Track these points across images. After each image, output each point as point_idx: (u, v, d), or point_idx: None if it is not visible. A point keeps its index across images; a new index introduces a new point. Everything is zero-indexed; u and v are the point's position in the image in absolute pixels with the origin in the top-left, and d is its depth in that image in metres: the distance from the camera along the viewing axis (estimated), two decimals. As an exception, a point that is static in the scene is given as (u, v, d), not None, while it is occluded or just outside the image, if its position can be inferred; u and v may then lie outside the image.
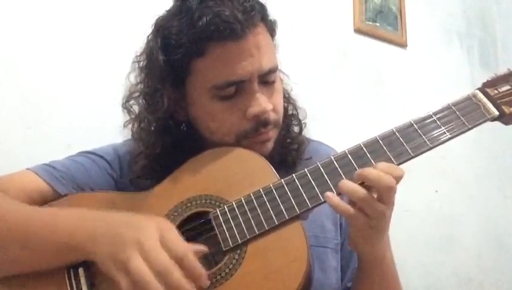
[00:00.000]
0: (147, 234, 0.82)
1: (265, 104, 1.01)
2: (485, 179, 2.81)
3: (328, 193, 0.89)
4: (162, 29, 1.03)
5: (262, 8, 1.04)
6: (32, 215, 0.95)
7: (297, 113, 1.18)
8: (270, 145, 1.05)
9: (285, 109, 1.15)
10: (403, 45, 2.66)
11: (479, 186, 2.76)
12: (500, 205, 2.85)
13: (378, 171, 0.87)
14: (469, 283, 2.59)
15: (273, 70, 1.03)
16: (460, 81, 2.81)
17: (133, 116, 1.11)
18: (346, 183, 0.88)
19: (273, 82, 1.05)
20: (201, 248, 0.88)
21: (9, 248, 0.92)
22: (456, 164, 2.61)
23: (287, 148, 1.13)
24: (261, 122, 1.01)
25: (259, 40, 1.00)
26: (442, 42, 2.87)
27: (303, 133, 1.18)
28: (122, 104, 1.13)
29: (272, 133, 1.05)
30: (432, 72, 2.71)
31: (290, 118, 1.17)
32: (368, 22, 2.53)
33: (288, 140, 1.14)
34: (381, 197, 0.87)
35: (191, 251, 0.83)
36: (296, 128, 1.17)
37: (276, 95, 1.06)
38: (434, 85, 2.64)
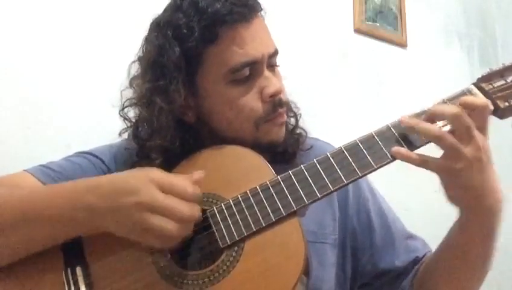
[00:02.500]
0: (146, 193, 0.85)
1: (279, 83, 1.06)
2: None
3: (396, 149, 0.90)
4: (169, 24, 1.05)
5: (258, 2, 1.09)
6: (26, 195, 0.96)
7: (291, 106, 1.19)
8: (283, 129, 1.08)
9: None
10: (403, 45, 2.66)
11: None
12: (500, 205, 2.84)
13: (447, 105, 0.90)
14: None
15: (277, 53, 1.08)
16: (460, 81, 2.78)
17: (142, 115, 1.10)
18: (431, 126, 0.88)
19: (276, 66, 1.09)
20: (198, 174, 0.91)
21: (6, 231, 0.93)
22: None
23: (287, 139, 1.13)
24: (277, 102, 1.05)
25: (263, 24, 1.07)
26: (442, 42, 2.86)
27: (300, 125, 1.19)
28: (126, 106, 1.14)
29: (285, 116, 1.09)
30: (431, 72, 2.71)
31: (287, 111, 1.17)
32: (367, 22, 2.53)
33: (287, 131, 1.14)
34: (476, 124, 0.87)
35: (191, 183, 0.88)
36: (292, 120, 1.18)
37: (280, 79, 1.10)
38: (434, 85, 2.64)
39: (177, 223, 0.84)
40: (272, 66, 1.08)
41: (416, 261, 1.13)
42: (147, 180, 0.86)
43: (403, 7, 2.68)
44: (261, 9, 1.09)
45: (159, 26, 1.07)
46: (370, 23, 2.54)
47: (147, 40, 1.10)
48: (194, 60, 1.04)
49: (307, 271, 0.89)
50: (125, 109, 1.14)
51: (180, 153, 1.06)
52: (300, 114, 1.20)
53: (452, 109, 0.88)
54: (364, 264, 1.15)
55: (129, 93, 1.13)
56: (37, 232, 0.92)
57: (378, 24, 2.57)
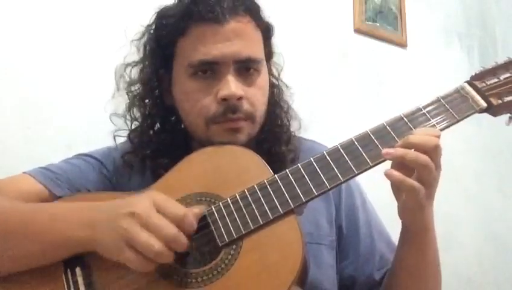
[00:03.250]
0: (140, 206, 0.86)
1: (236, 89, 1.03)
2: (484, 178, 2.81)
3: (388, 170, 0.91)
4: (159, 13, 1.12)
5: (254, 6, 1.09)
6: (29, 212, 0.97)
7: (289, 124, 1.19)
8: (241, 137, 1.06)
9: (277, 118, 1.18)
10: (403, 45, 2.66)
11: (478, 186, 2.76)
12: (500, 204, 2.84)
13: (420, 135, 0.90)
14: (468, 282, 2.59)
15: (252, 60, 1.06)
16: (460, 81, 2.78)
17: (135, 101, 1.16)
18: (410, 152, 0.90)
19: (253, 74, 1.07)
20: (199, 210, 0.92)
21: (8, 245, 0.94)
22: (455, 163, 2.61)
23: (274, 146, 1.14)
24: (229, 108, 1.04)
25: (241, 29, 1.05)
26: (442, 42, 2.86)
27: (292, 141, 1.18)
28: (126, 89, 1.19)
29: (244, 124, 1.06)
30: (431, 72, 2.71)
31: (281, 127, 1.18)
32: (367, 22, 2.53)
33: (273, 148, 1.14)
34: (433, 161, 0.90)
35: (187, 211, 0.88)
36: (284, 137, 1.17)
37: (254, 89, 1.07)
38: (434, 85, 2.63)
39: (161, 243, 0.83)
40: (243, 72, 1.06)
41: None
42: (146, 197, 0.89)
43: (403, 7, 2.68)
44: (255, 13, 1.08)
45: (155, 15, 1.14)
46: (370, 23, 2.54)
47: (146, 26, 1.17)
48: (168, 48, 1.08)
49: (305, 270, 0.89)
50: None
51: (173, 140, 1.12)
52: (295, 134, 1.20)
53: (434, 140, 0.90)
54: (342, 269, 1.17)
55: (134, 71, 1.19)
56: (37, 252, 0.94)
57: (378, 24, 2.57)
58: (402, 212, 0.98)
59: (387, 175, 0.90)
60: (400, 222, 1.02)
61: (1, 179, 1.07)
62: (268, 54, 1.15)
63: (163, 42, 1.09)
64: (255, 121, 1.08)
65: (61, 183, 1.08)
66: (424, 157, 0.88)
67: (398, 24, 2.66)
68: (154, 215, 0.85)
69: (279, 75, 1.22)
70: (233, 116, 1.04)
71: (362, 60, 2.48)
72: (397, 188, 0.94)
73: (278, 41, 1.18)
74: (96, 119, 1.62)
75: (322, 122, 2.03)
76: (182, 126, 1.15)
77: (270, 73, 1.17)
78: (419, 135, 0.91)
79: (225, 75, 1.04)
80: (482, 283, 2.64)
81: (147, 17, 1.14)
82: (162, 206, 0.87)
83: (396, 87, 2.57)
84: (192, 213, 0.88)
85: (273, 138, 1.14)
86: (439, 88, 2.73)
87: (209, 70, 1.05)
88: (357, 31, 2.49)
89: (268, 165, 0.99)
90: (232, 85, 1.03)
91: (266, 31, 1.13)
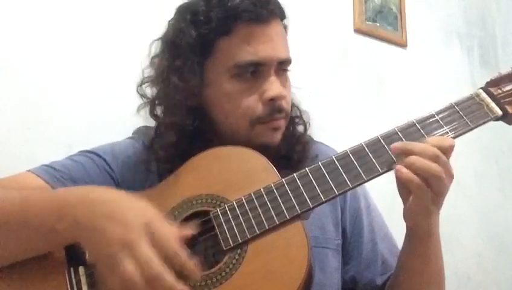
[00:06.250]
0: (133, 233, 0.80)
1: (282, 89, 1.06)
2: (485, 179, 2.81)
3: (398, 166, 0.90)
4: (189, 9, 1.09)
5: (280, 5, 1.13)
6: (20, 200, 0.94)
7: (301, 114, 1.20)
8: (279, 135, 1.08)
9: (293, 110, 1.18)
10: (403, 45, 2.65)
11: (478, 186, 2.76)
12: (500, 205, 2.84)
13: (427, 144, 0.90)
14: (468, 282, 2.59)
15: (289, 61, 1.10)
16: (460, 81, 2.80)
17: (159, 93, 1.14)
18: (420, 159, 0.89)
19: (285, 73, 1.11)
20: (189, 231, 0.87)
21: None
22: (456, 163, 2.60)
23: (293, 147, 1.14)
24: (275, 108, 1.06)
25: (280, 30, 1.09)
26: (442, 42, 2.86)
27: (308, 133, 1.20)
28: (144, 83, 1.17)
29: (283, 123, 1.09)
30: (431, 72, 2.71)
31: (295, 118, 1.19)
32: (368, 22, 2.53)
33: (293, 139, 1.16)
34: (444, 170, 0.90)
35: (180, 248, 0.82)
36: (300, 128, 1.19)
37: (288, 88, 1.11)
38: (434, 85, 2.64)
39: (145, 278, 0.78)
40: (281, 72, 1.09)
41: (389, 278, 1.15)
42: (143, 222, 0.82)
43: (403, 7, 2.67)
44: (284, 17, 1.13)
45: (180, 11, 1.12)
46: (370, 23, 2.54)
47: (169, 23, 1.14)
48: (206, 47, 1.07)
49: (310, 277, 0.89)
50: (144, 86, 1.17)
51: (191, 137, 1.09)
52: (309, 123, 1.21)
53: (450, 141, 0.91)
54: (345, 272, 1.16)
55: (159, 65, 1.15)
56: (30, 239, 0.91)
57: (378, 24, 2.57)
58: (407, 215, 0.97)
59: (397, 171, 0.90)
60: (398, 228, 1.02)
61: (4, 177, 1.06)
62: None
63: (201, 40, 1.07)
64: (288, 119, 1.11)
65: (65, 180, 1.07)
66: (435, 167, 0.88)
67: (398, 24, 2.65)
68: (144, 246, 0.79)
69: None
70: (279, 115, 1.06)
71: (362, 60, 2.48)
72: (404, 189, 0.93)
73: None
74: (96, 119, 1.62)
75: (321, 122, 2.01)
76: (208, 128, 1.12)
77: None
78: (432, 142, 0.91)
79: (269, 76, 1.05)
80: (481, 283, 2.64)
81: (151, 16, 1.12)
82: (155, 235, 0.81)
83: (396, 87, 2.57)
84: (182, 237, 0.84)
85: (291, 127, 1.17)
86: (439, 88, 2.75)
87: (255, 71, 1.05)
88: (357, 31, 2.48)
89: (281, 164, 0.98)
90: (278, 86, 1.05)
91: (286, 30, 1.18)
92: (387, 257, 1.17)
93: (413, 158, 0.89)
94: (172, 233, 0.83)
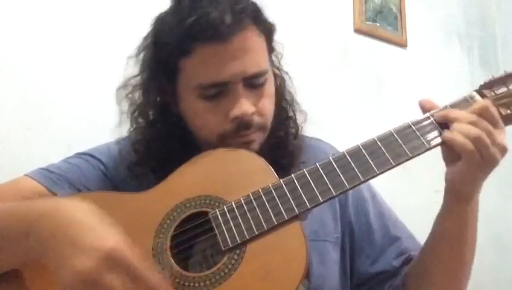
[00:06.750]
0: (94, 265, 0.75)
1: (247, 107, 1.01)
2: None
3: (447, 134, 0.92)
4: (156, 27, 1.07)
5: (256, 11, 1.05)
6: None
7: (295, 116, 1.18)
8: (254, 146, 1.05)
9: (284, 111, 1.16)
10: (403, 45, 2.66)
11: (478, 186, 2.76)
12: (500, 205, 2.84)
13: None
14: (468, 282, 2.59)
15: (260, 74, 1.04)
16: (460, 81, 2.81)
17: (132, 106, 1.14)
18: (474, 128, 0.91)
19: (261, 85, 1.05)
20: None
21: None
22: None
23: (282, 151, 1.12)
24: (242, 125, 1.02)
25: (247, 43, 1.01)
26: (442, 42, 2.86)
27: (300, 134, 1.18)
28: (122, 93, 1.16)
29: (256, 136, 1.05)
30: (431, 72, 2.72)
31: (288, 120, 1.17)
32: (368, 22, 2.53)
33: (283, 143, 1.14)
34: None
35: (147, 270, 0.78)
36: (292, 131, 1.17)
37: (265, 99, 1.06)
38: (434, 85, 2.64)
39: None
40: (254, 86, 1.04)
41: (408, 259, 1.14)
42: (107, 248, 0.77)
43: (403, 7, 2.68)
44: (259, 21, 1.05)
45: (151, 26, 1.09)
46: (370, 23, 2.54)
47: (144, 36, 1.12)
48: (169, 66, 1.04)
49: (308, 275, 0.89)
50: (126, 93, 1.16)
51: (166, 145, 1.09)
52: (302, 127, 1.19)
53: (486, 102, 0.94)
54: (359, 265, 1.15)
55: (131, 80, 1.15)
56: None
57: (378, 24, 2.57)
58: (452, 179, 0.97)
59: (447, 139, 0.92)
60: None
61: (2, 183, 1.07)
62: (271, 49, 1.13)
63: (164, 60, 1.05)
64: (266, 130, 1.08)
65: (62, 183, 1.07)
66: (476, 130, 0.91)
67: (398, 24, 2.66)
68: (108, 278, 0.75)
69: (279, 62, 1.18)
70: (247, 132, 1.03)
71: (362, 60, 2.48)
72: (451, 153, 0.94)
73: (279, 41, 1.17)
74: (96, 119, 1.62)
75: (321, 122, 2.01)
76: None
77: (273, 65, 1.15)
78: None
79: (234, 94, 1.01)
80: (482, 283, 2.64)
81: (145, 19, 1.12)
82: (121, 263, 0.76)
83: (396, 87, 2.57)
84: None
85: (282, 131, 1.14)
86: (439, 88, 2.74)
87: (218, 90, 1.02)
88: (357, 31, 2.49)
89: (276, 163, 0.98)
90: (243, 103, 1.01)
91: (268, 32, 1.10)
92: (403, 240, 1.16)
93: (469, 126, 0.91)
94: (138, 256, 0.79)
